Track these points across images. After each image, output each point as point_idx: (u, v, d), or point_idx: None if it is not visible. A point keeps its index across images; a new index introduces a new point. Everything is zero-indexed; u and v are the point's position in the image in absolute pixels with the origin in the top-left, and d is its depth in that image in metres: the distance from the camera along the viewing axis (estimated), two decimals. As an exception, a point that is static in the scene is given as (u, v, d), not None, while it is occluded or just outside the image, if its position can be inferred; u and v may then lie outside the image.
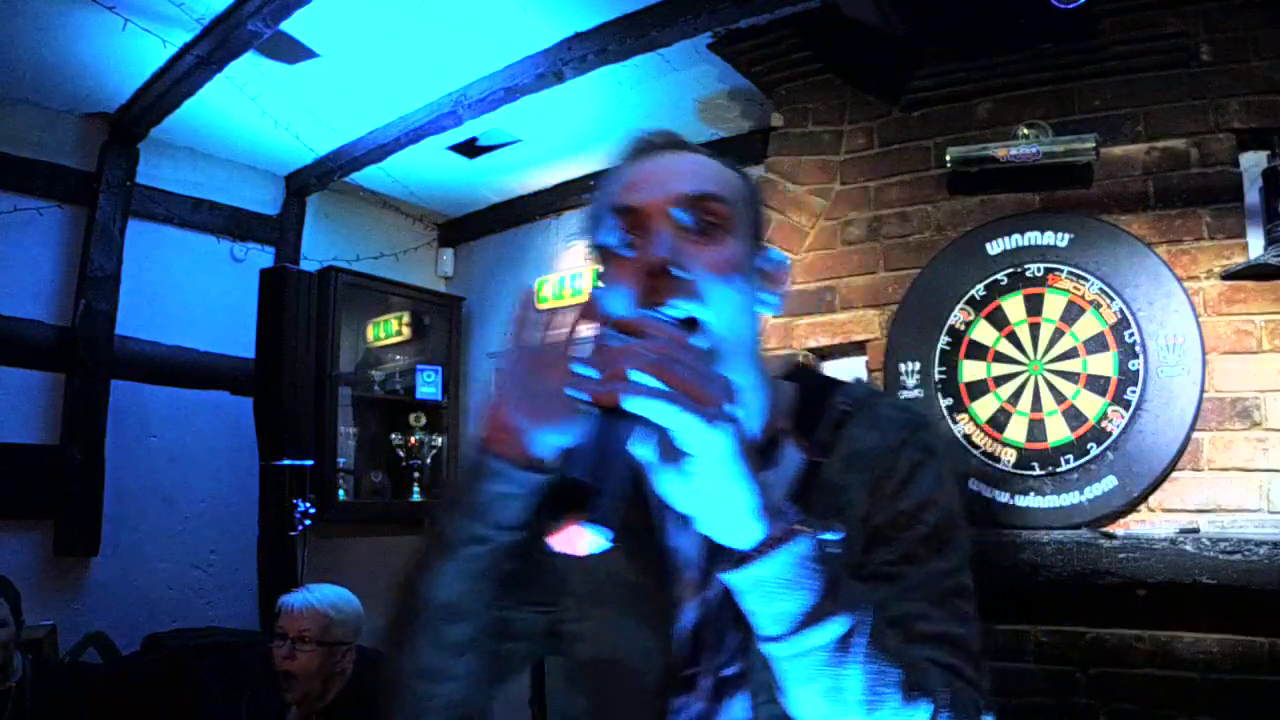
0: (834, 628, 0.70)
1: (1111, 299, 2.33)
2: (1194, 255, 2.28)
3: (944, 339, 2.52)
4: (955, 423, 2.47)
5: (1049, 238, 2.43)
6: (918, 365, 2.54)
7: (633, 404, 0.65)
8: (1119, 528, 2.21)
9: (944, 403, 2.49)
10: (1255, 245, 2.23)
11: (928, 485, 0.87)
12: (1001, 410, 2.42)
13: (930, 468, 0.88)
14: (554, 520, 0.64)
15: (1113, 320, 2.32)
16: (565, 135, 3.58)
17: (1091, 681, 2.15)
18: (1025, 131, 2.45)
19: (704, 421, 0.66)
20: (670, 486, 0.69)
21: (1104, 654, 2.14)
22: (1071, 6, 2.21)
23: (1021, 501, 2.35)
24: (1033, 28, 2.44)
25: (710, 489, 0.68)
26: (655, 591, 0.88)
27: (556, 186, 4.10)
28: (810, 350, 2.78)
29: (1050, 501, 2.32)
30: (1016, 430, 2.39)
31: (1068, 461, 2.31)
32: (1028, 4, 2.30)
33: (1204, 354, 2.21)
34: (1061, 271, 2.40)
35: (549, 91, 3.05)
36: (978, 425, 2.44)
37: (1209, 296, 2.24)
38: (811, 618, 0.70)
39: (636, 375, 0.66)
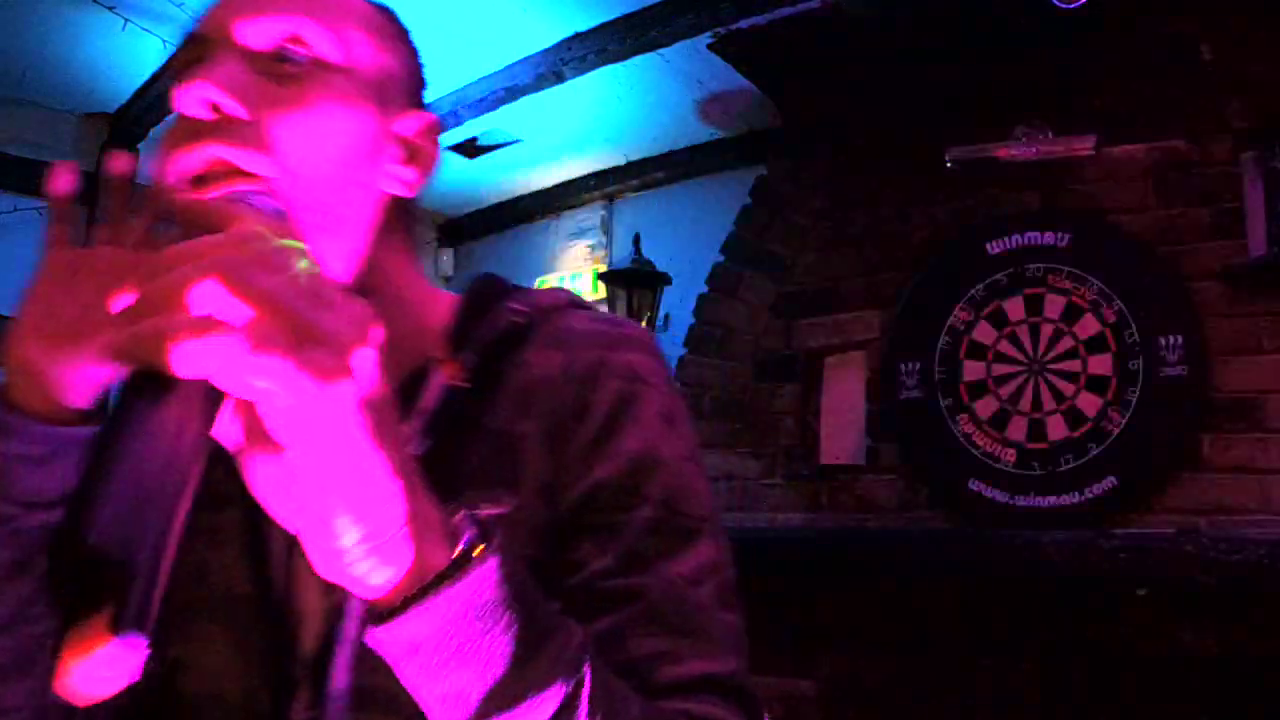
0: (547, 699, 0.46)
1: (1111, 299, 2.33)
2: (1194, 255, 2.27)
3: (944, 339, 2.52)
4: (955, 423, 2.47)
5: (1049, 238, 2.43)
6: (918, 365, 2.54)
7: (186, 362, 0.34)
8: (1119, 528, 2.21)
9: (944, 403, 2.49)
10: (1255, 245, 2.23)
11: (642, 434, 0.61)
12: (1001, 410, 2.42)
13: (642, 405, 0.62)
14: (59, 629, 0.34)
15: (1113, 320, 2.32)
16: (565, 135, 3.58)
17: (1091, 681, 2.15)
18: (1025, 131, 2.45)
19: (311, 386, 0.37)
20: (265, 488, 0.41)
21: (1104, 654, 2.14)
22: (1071, 6, 2.21)
23: (1021, 501, 2.35)
24: (1033, 28, 2.44)
25: (322, 494, 0.40)
26: (269, 607, 0.61)
27: (556, 186, 4.10)
28: (810, 350, 2.78)
29: (1050, 501, 2.32)
30: (1016, 430, 2.39)
31: (1068, 461, 2.31)
32: (1028, 4, 2.30)
33: (1204, 354, 2.21)
34: (1061, 271, 2.40)
35: (549, 91, 3.05)
36: (978, 425, 2.44)
37: (1209, 296, 2.24)
38: (503, 698, 0.45)
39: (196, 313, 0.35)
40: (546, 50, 2.91)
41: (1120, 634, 2.13)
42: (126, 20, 2.67)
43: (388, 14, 0.70)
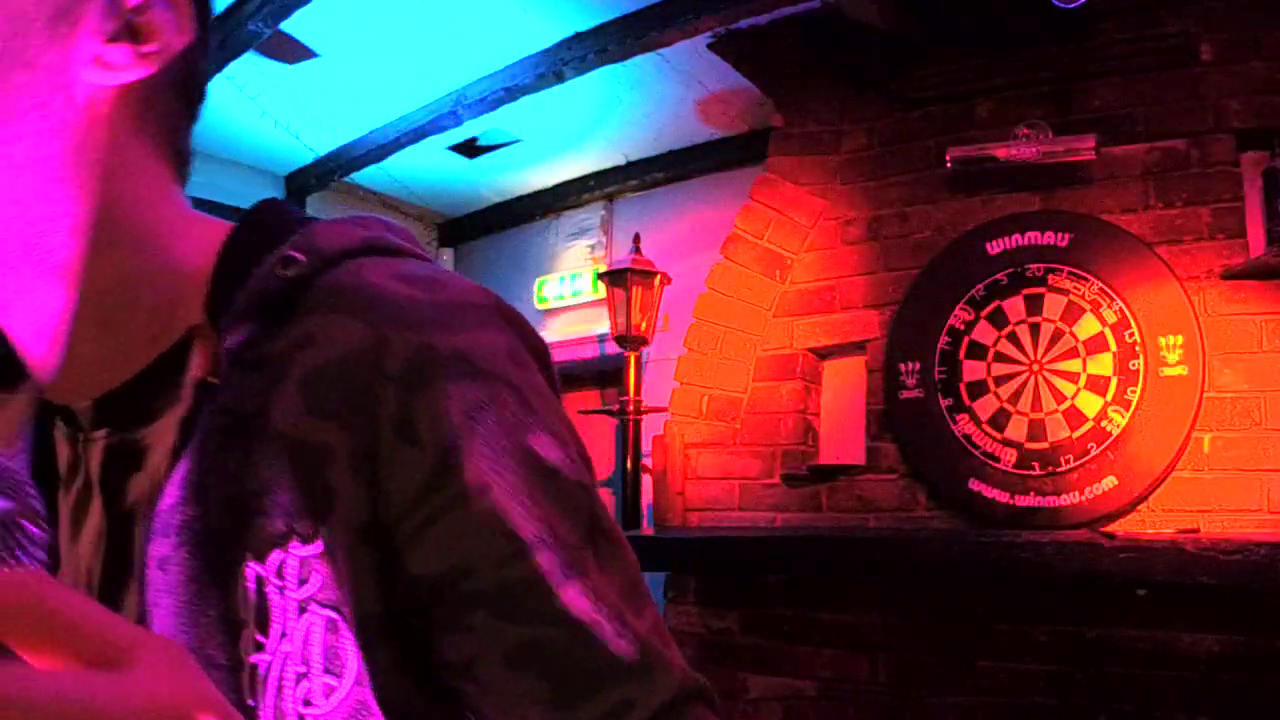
0: None
1: (1111, 299, 2.33)
2: (1194, 255, 2.28)
3: (944, 339, 2.52)
4: (955, 423, 2.47)
5: (1049, 238, 2.43)
6: (918, 365, 2.54)
7: None
8: (1119, 528, 2.21)
9: (944, 403, 2.49)
10: (1255, 245, 2.23)
11: (512, 469, 0.46)
12: (1001, 410, 2.42)
13: (495, 420, 0.46)
14: None
15: (1113, 320, 2.32)
16: (565, 135, 3.58)
17: (1091, 681, 2.15)
18: (1025, 131, 2.45)
19: None
20: None
21: (1104, 654, 2.14)
22: (1071, 6, 2.21)
23: (1021, 501, 2.35)
24: (1033, 28, 2.44)
25: None
26: None
27: (556, 186, 4.09)
28: (810, 350, 2.78)
29: (1050, 501, 2.32)
30: (1016, 430, 2.39)
31: (1068, 461, 2.31)
32: (1028, 4, 2.30)
33: (1204, 354, 2.21)
34: (1061, 271, 2.40)
35: (549, 91, 3.05)
36: (978, 425, 2.44)
37: (1209, 296, 2.24)
38: None
39: None
40: (546, 50, 2.91)
41: (1120, 634, 2.13)
42: (126, 20, 2.67)
43: None
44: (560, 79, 2.96)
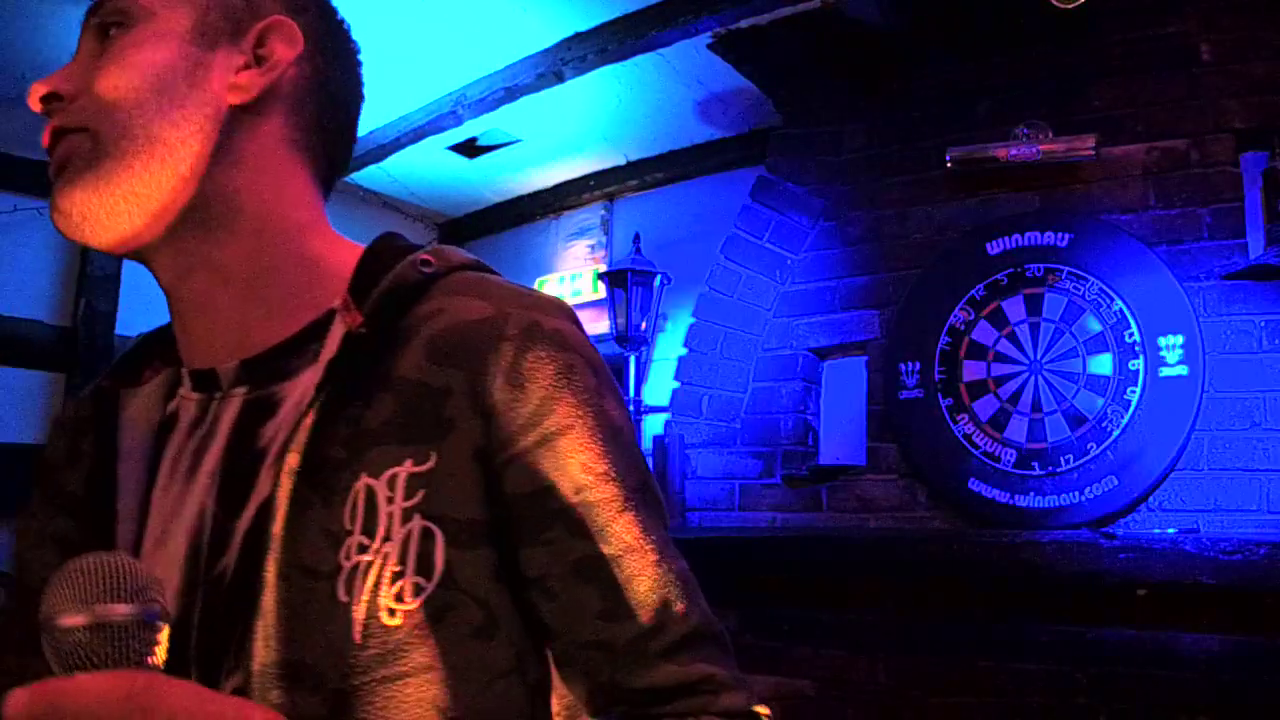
0: None
1: (1111, 299, 2.33)
2: (1194, 255, 2.27)
3: (944, 339, 2.52)
4: (955, 423, 2.47)
5: (1049, 238, 2.43)
6: (918, 365, 2.54)
7: None
8: (1119, 528, 2.21)
9: (944, 403, 2.49)
10: (1255, 245, 2.23)
11: (593, 409, 0.60)
12: (1001, 410, 2.42)
13: (582, 376, 0.60)
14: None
15: (1113, 320, 2.32)
16: (565, 135, 3.58)
17: (1091, 681, 2.15)
18: (1025, 131, 2.45)
19: None
20: None
21: (1104, 654, 2.14)
22: (1071, 6, 2.21)
23: (1021, 501, 2.35)
24: (1033, 28, 2.44)
25: None
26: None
27: (556, 186, 4.10)
28: (810, 350, 2.78)
29: (1050, 501, 2.32)
30: (1016, 430, 2.39)
31: (1068, 461, 2.31)
32: (1028, 4, 2.30)
33: (1204, 354, 2.21)
34: (1061, 271, 2.40)
35: (549, 91, 3.05)
36: (978, 425, 2.44)
37: (1209, 296, 2.24)
38: None
39: None
40: (546, 50, 2.91)
41: (1120, 634, 2.13)
42: (126, 20, 2.67)
43: None
44: (560, 79, 2.96)
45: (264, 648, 0.54)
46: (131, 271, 3.38)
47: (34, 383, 3.20)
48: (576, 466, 0.58)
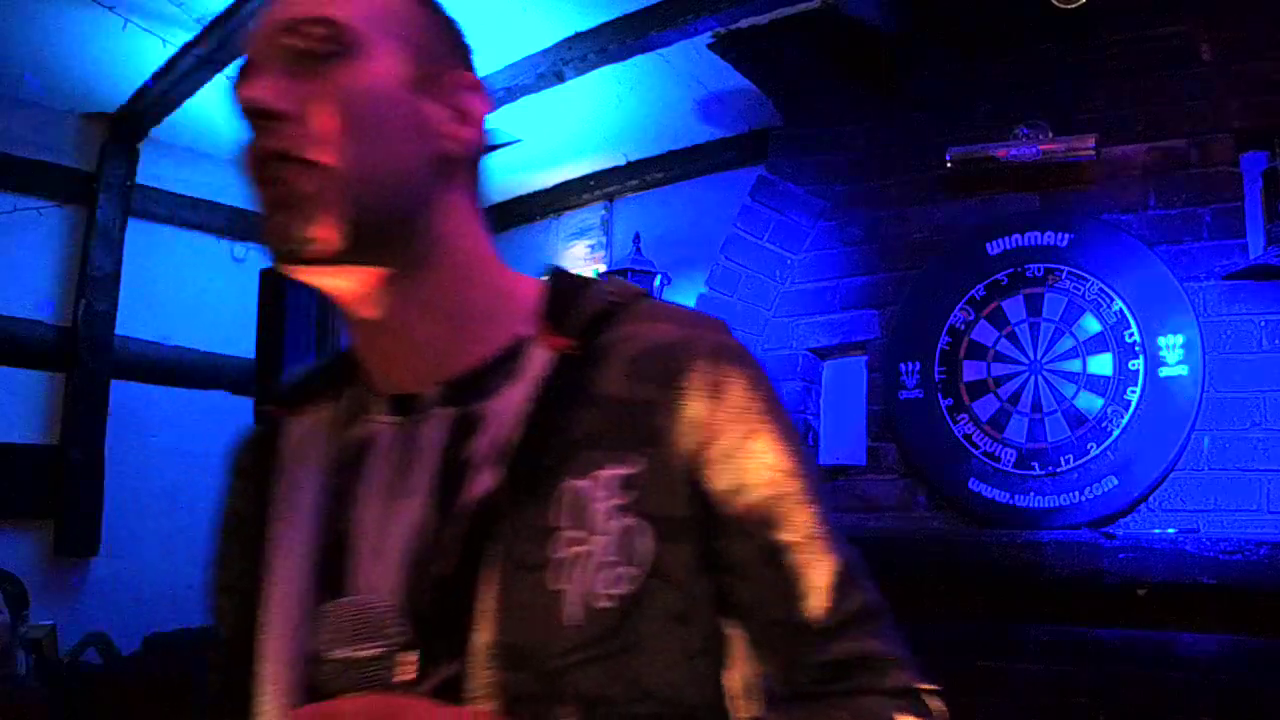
0: None
1: (1111, 299, 2.33)
2: (1194, 255, 2.27)
3: (944, 339, 2.52)
4: (955, 423, 2.47)
5: (1049, 238, 2.43)
6: (918, 365, 2.54)
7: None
8: (1119, 528, 2.21)
9: (944, 403, 2.49)
10: (1255, 245, 2.23)
11: (775, 416, 0.68)
12: (1001, 410, 2.42)
13: (764, 388, 0.68)
14: None
15: (1113, 320, 2.32)
16: (565, 135, 3.58)
17: (1091, 681, 2.15)
18: (1025, 131, 2.45)
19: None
20: None
21: (1104, 654, 2.14)
22: (1071, 6, 2.21)
23: (1021, 501, 2.35)
24: (1033, 28, 2.44)
25: None
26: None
27: (556, 186, 4.09)
28: (810, 350, 2.78)
29: (1050, 501, 2.32)
30: (1016, 430, 2.39)
31: (1068, 461, 2.31)
32: (1028, 4, 2.30)
33: (1204, 354, 2.21)
34: (1061, 271, 2.40)
35: (549, 91, 3.05)
36: (978, 425, 2.44)
37: (1209, 296, 2.24)
38: None
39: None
40: (546, 50, 2.91)
41: (1120, 634, 2.13)
42: (126, 20, 2.67)
43: None
44: (560, 79, 2.96)
45: (481, 635, 0.61)
46: (131, 272, 3.38)
47: (34, 383, 3.19)
48: (766, 466, 0.66)
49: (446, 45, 0.71)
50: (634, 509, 0.63)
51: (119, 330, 3.34)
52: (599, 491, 0.63)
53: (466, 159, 0.70)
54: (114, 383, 3.33)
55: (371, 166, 0.64)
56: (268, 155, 0.62)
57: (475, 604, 0.61)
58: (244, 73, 0.66)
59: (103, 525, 3.25)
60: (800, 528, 0.66)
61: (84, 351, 3.24)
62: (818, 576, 0.66)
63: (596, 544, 0.62)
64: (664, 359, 0.66)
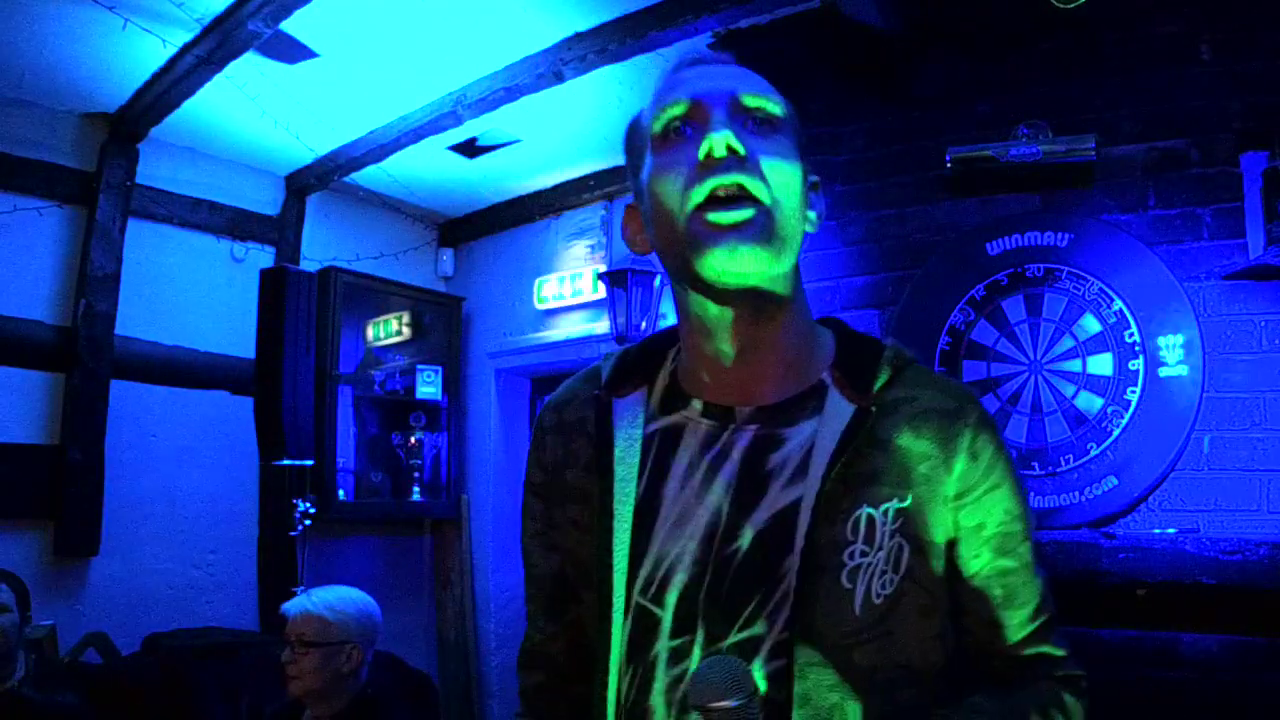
0: None
1: (1111, 299, 2.33)
2: (1194, 255, 2.27)
3: (944, 339, 2.52)
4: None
5: (1049, 238, 2.43)
6: (918, 365, 2.54)
7: None
8: (1119, 528, 2.21)
9: (944, 403, 2.49)
10: (1255, 245, 2.23)
11: (1011, 470, 0.91)
12: (1001, 410, 2.42)
13: (1006, 452, 0.91)
14: None
15: (1113, 320, 2.32)
16: (565, 135, 3.58)
17: (1091, 681, 2.15)
18: (1025, 131, 2.45)
19: None
20: None
21: (1104, 654, 2.14)
22: (1071, 6, 2.21)
23: (1021, 501, 2.35)
24: (1033, 28, 2.44)
25: None
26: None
27: (556, 186, 4.10)
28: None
29: (1050, 501, 2.32)
30: (1016, 430, 2.39)
31: (1068, 461, 2.31)
32: (1028, 4, 2.30)
33: (1204, 354, 2.21)
34: (1061, 271, 2.40)
35: (549, 91, 3.05)
36: (978, 425, 2.44)
37: (1209, 296, 2.24)
38: None
39: None
40: (546, 50, 2.91)
41: (1120, 634, 2.13)
42: (126, 20, 2.67)
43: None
44: (560, 79, 2.96)
45: (776, 615, 0.81)
46: (131, 272, 3.38)
47: (34, 383, 3.19)
48: (1003, 510, 0.89)
49: (804, 143, 0.93)
50: (901, 531, 0.84)
51: (119, 330, 3.34)
52: (880, 518, 0.83)
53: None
54: (114, 383, 3.33)
55: (795, 224, 0.86)
56: (737, 188, 0.81)
57: (771, 591, 0.82)
58: (697, 114, 0.85)
59: (103, 525, 3.25)
60: (1020, 557, 0.90)
61: (84, 351, 3.24)
62: (1027, 595, 0.91)
63: (878, 557, 0.83)
64: (939, 423, 0.87)
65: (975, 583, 0.89)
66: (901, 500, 0.84)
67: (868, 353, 0.91)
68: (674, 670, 0.83)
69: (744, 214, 0.81)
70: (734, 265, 0.81)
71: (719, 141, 0.81)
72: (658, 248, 0.89)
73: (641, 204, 0.91)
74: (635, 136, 0.93)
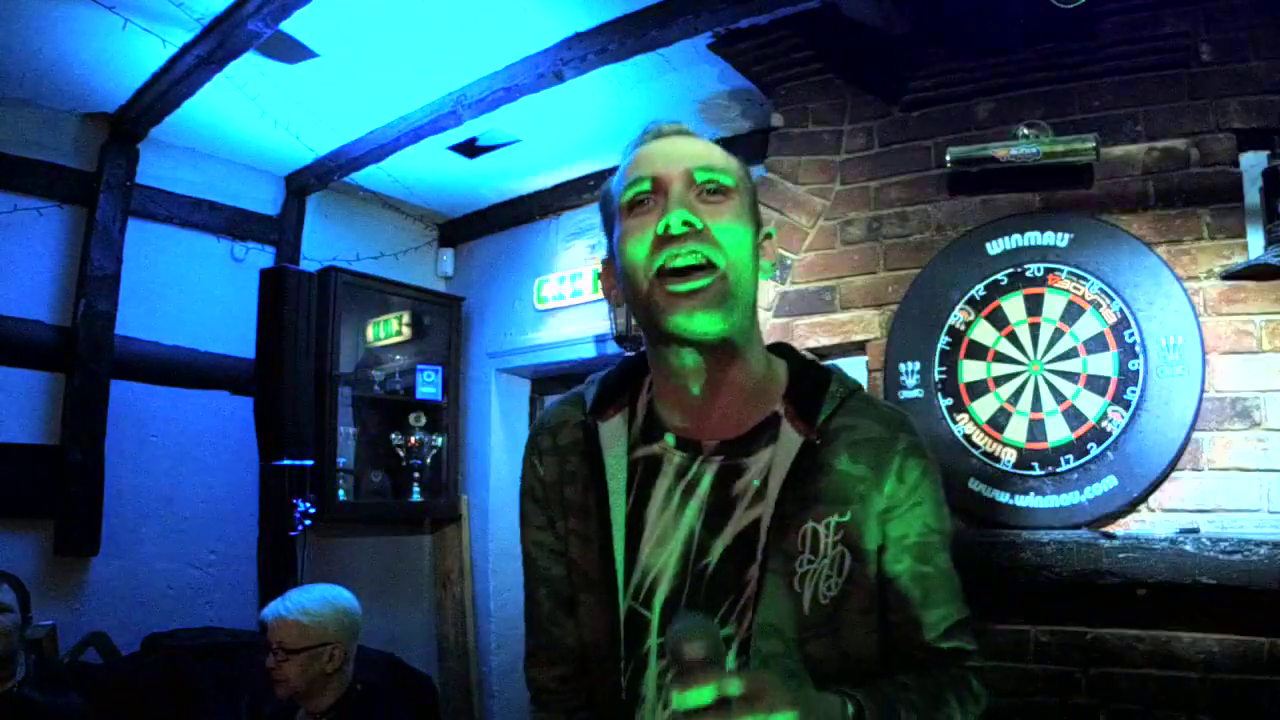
0: None
1: (1111, 299, 2.33)
2: (1194, 255, 2.27)
3: (944, 339, 2.52)
4: (955, 423, 2.47)
5: (1049, 238, 2.43)
6: (918, 365, 2.54)
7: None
8: (1119, 528, 2.21)
9: (944, 403, 2.49)
10: (1255, 245, 2.23)
11: (934, 490, 1.05)
12: (1001, 410, 2.42)
13: (932, 474, 1.05)
14: None
15: (1113, 320, 2.32)
16: (565, 135, 3.58)
17: (1091, 681, 2.15)
18: (1025, 131, 2.45)
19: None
20: None
21: (1104, 654, 2.14)
22: (1071, 6, 2.21)
23: (1021, 501, 2.35)
24: (1033, 28, 2.44)
25: None
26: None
27: (556, 186, 4.10)
28: (810, 350, 2.78)
29: (1050, 501, 2.32)
30: (1016, 430, 2.39)
31: (1068, 461, 2.31)
32: (1028, 4, 2.30)
33: (1204, 354, 2.21)
34: (1061, 271, 2.40)
35: (549, 91, 3.05)
36: (978, 425, 2.44)
37: (1209, 296, 2.24)
38: None
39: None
40: (546, 50, 2.91)
41: (1120, 634, 2.13)
42: (126, 20, 2.67)
43: (739, 160, 1.09)
44: (560, 79, 2.96)
45: (743, 616, 0.97)
46: (131, 272, 3.38)
47: (34, 383, 3.19)
48: (922, 524, 1.04)
49: (757, 202, 1.09)
50: (843, 542, 1.00)
51: (119, 330, 3.34)
52: (823, 531, 0.99)
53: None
54: (114, 383, 3.32)
55: (746, 283, 1.01)
56: (689, 254, 0.96)
57: (738, 596, 0.99)
58: (657, 190, 1.01)
59: (103, 525, 3.24)
60: (937, 565, 1.05)
61: (84, 351, 3.24)
62: (943, 597, 1.05)
63: (822, 564, 0.99)
64: (875, 451, 1.02)
65: (899, 585, 1.03)
66: (841, 515, 1.00)
67: (816, 383, 1.07)
68: (662, 662, 1.00)
69: (699, 283, 0.96)
70: (693, 326, 0.96)
71: (675, 220, 0.96)
72: (629, 302, 1.04)
73: (614, 261, 1.05)
74: (608, 202, 1.07)
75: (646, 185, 1.00)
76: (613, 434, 1.08)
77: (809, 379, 1.08)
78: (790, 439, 1.02)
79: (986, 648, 1.09)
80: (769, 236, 1.09)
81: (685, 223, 0.95)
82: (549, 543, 1.12)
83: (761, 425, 1.04)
